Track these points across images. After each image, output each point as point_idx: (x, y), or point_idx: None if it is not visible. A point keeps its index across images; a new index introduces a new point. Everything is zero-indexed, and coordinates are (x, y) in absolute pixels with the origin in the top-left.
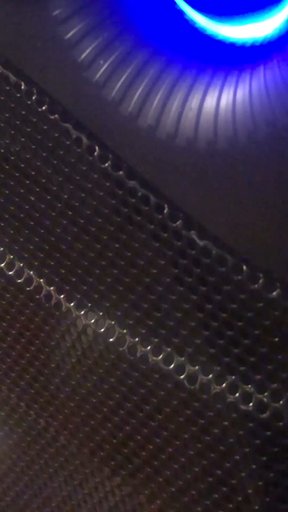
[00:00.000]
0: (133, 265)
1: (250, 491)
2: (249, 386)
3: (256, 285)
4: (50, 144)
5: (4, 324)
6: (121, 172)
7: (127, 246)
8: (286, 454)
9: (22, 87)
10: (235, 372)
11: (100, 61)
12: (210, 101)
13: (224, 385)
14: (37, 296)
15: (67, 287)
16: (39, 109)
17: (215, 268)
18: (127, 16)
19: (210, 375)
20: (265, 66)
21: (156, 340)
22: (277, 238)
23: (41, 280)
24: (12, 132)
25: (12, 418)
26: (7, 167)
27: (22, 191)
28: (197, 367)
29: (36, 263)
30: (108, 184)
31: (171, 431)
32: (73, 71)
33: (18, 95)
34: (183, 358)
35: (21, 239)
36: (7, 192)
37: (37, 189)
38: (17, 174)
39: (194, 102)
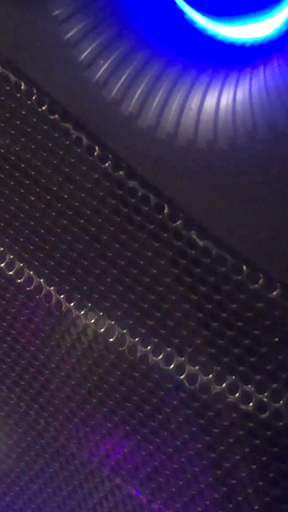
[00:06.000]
0: (133, 265)
1: (250, 491)
2: (249, 386)
3: (256, 285)
4: (50, 144)
5: (4, 324)
6: (121, 172)
7: (127, 246)
8: (286, 454)
9: (22, 87)
10: (235, 372)
11: (100, 61)
12: (210, 101)
13: (224, 385)
14: (37, 296)
15: (67, 287)
16: (39, 109)
17: (215, 268)
18: (127, 16)
19: (210, 375)
20: (265, 66)
21: (156, 340)
22: (277, 238)
23: (41, 280)
24: (12, 132)
25: (12, 418)
26: (7, 167)
27: (22, 191)
28: (197, 367)
29: (36, 263)
30: (108, 184)
31: (171, 430)
32: (73, 71)
33: (18, 95)
34: (183, 358)
35: (21, 239)
36: (7, 192)
37: (37, 189)
38: (17, 174)
39: (194, 102)
